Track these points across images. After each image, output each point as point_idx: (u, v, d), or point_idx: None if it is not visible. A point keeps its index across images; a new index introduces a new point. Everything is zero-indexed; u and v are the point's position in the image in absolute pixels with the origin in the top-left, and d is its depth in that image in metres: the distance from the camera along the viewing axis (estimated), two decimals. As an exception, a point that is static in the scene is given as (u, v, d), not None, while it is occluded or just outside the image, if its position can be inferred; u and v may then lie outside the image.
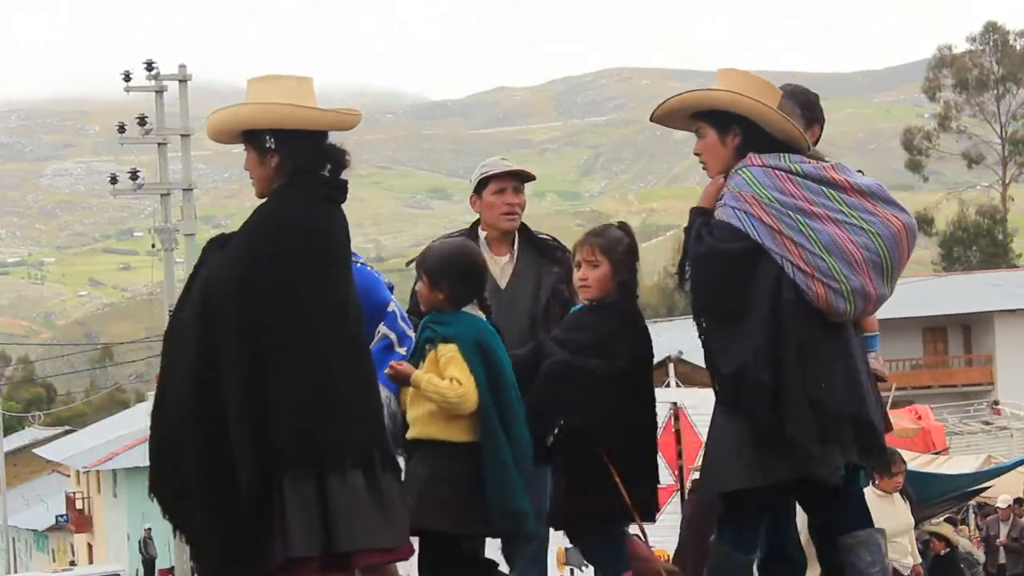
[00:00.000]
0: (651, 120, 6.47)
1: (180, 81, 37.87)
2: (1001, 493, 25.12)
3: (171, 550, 40.38)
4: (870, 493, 12.62)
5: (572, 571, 16.94)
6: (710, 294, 6.16)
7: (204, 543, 5.87)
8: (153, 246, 39.00)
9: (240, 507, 5.75)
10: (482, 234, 7.89)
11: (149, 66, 37.46)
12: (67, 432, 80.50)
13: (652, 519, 6.90)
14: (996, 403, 51.74)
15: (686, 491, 17.15)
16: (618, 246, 6.95)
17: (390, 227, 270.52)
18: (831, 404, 6.00)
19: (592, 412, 6.66)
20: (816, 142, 6.71)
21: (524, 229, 7.92)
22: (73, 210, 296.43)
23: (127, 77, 37.25)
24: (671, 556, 17.15)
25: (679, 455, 17.18)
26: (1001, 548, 25.16)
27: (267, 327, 5.85)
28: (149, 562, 51.41)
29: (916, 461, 22.20)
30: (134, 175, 37.50)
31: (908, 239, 6.08)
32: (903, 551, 12.95)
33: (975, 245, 78.74)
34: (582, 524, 6.89)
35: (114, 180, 38.29)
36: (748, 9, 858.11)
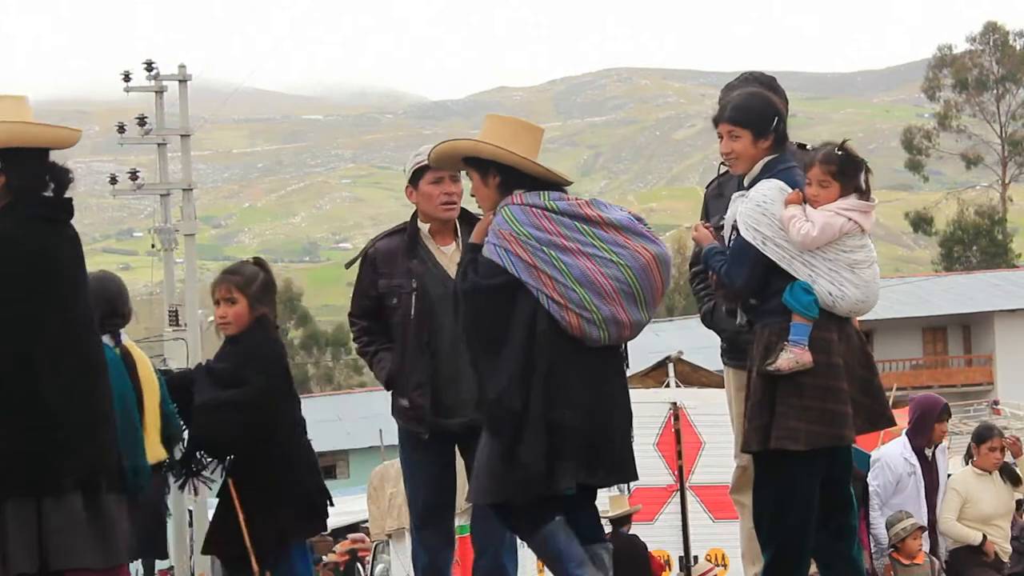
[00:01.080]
0: (430, 164, 7.12)
1: (180, 81, 37.86)
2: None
3: (171, 550, 40.32)
4: (968, 472, 12.44)
5: (572, 571, 16.94)
6: (475, 326, 6.63)
7: None
8: (153, 246, 39.00)
9: None
10: (423, 226, 7.80)
11: (149, 66, 37.45)
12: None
13: (300, 539, 7.65)
14: (996, 403, 51.61)
15: (686, 491, 17.15)
16: (253, 282, 7.55)
17: (390, 227, 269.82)
18: (571, 426, 6.49)
19: (226, 441, 7.36)
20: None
21: (464, 214, 7.84)
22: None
23: (127, 77, 37.25)
24: (670, 555, 17.18)
25: (679, 455, 17.15)
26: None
27: None
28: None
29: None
30: (134, 175, 37.50)
31: (659, 269, 6.58)
32: (1003, 535, 12.37)
33: (975, 245, 78.70)
34: (214, 550, 7.59)
35: (114, 180, 38.29)
36: (748, 9, 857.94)
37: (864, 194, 6.95)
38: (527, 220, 6.52)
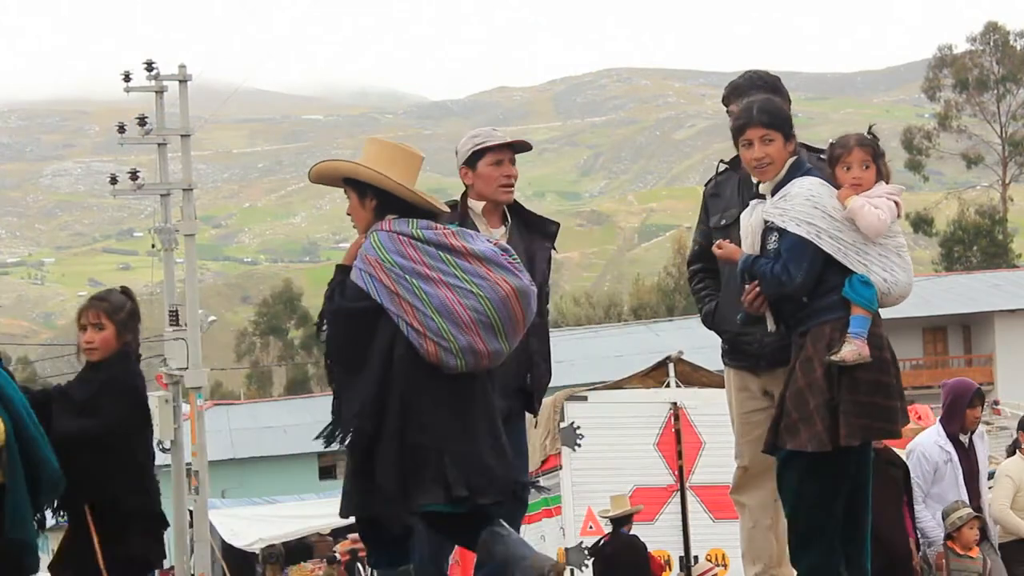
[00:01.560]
0: (310, 180, 7.16)
1: (180, 81, 37.82)
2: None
3: (171, 550, 40.29)
4: (1019, 460, 12.26)
5: (572, 571, 16.93)
6: (338, 348, 6.76)
7: None
8: (153, 246, 38.94)
9: None
10: (476, 205, 7.80)
11: (149, 66, 37.40)
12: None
13: (159, 566, 7.88)
14: (996, 403, 51.68)
15: (686, 491, 17.15)
16: (121, 310, 7.70)
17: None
18: (427, 448, 6.63)
19: (79, 474, 7.43)
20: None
21: (514, 203, 7.88)
22: (73, 210, 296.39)
23: (127, 77, 37.20)
24: (670, 555, 17.18)
25: (679, 455, 17.16)
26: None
27: None
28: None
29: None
30: (134, 175, 37.46)
31: (518, 302, 6.67)
32: None
33: (975, 245, 78.72)
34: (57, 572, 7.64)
35: (114, 180, 38.25)
36: (748, 9, 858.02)
37: (887, 178, 7.09)
38: (393, 247, 6.65)
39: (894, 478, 10.94)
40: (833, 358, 6.83)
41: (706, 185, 8.15)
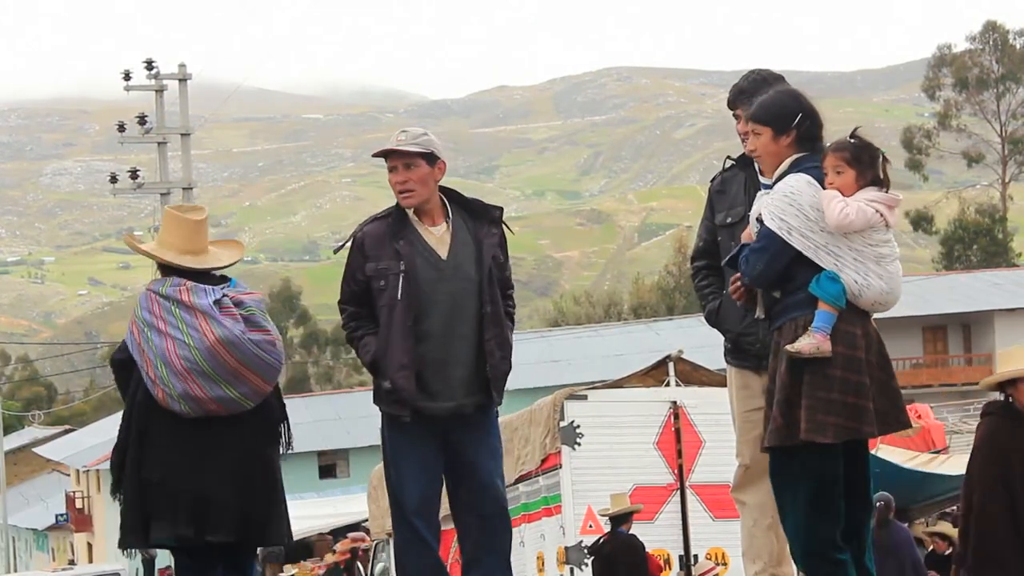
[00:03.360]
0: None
1: (180, 80, 37.86)
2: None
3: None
4: None
5: (572, 570, 16.94)
6: (119, 391, 7.76)
7: None
8: (153, 245, 38.96)
9: None
10: (409, 209, 7.71)
11: (149, 65, 37.44)
12: (67, 431, 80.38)
13: None
14: (996, 402, 51.61)
15: (686, 489, 17.15)
16: None
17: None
18: (168, 485, 7.49)
19: None
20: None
21: (453, 194, 7.79)
22: (73, 209, 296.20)
23: (127, 76, 37.25)
24: (670, 554, 17.18)
25: (679, 454, 17.16)
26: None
27: None
28: (149, 562, 51.27)
29: (916, 460, 22.17)
30: (134, 174, 37.49)
31: (226, 350, 7.42)
32: None
33: (975, 244, 78.70)
34: None
35: (114, 179, 38.30)
36: (748, 9, 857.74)
37: (883, 184, 7.01)
38: (144, 305, 7.56)
39: None
40: (789, 348, 6.82)
41: (712, 181, 8.14)
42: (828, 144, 7.13)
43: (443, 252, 7.59)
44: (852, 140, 7.01)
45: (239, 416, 7.56)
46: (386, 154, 7.68)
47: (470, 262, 7.62)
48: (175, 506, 7.44)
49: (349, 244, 7.72)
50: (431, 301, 7.56)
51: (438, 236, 7.63)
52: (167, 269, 7.66)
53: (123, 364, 7.62)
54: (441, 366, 7.58)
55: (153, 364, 7.40)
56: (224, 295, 7.48)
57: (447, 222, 7.68)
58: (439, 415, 7.60)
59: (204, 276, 7.62)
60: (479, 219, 7.73)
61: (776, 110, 7.14)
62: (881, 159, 7.03)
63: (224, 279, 7.70)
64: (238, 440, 7.52)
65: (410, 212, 7.66)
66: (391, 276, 7.55)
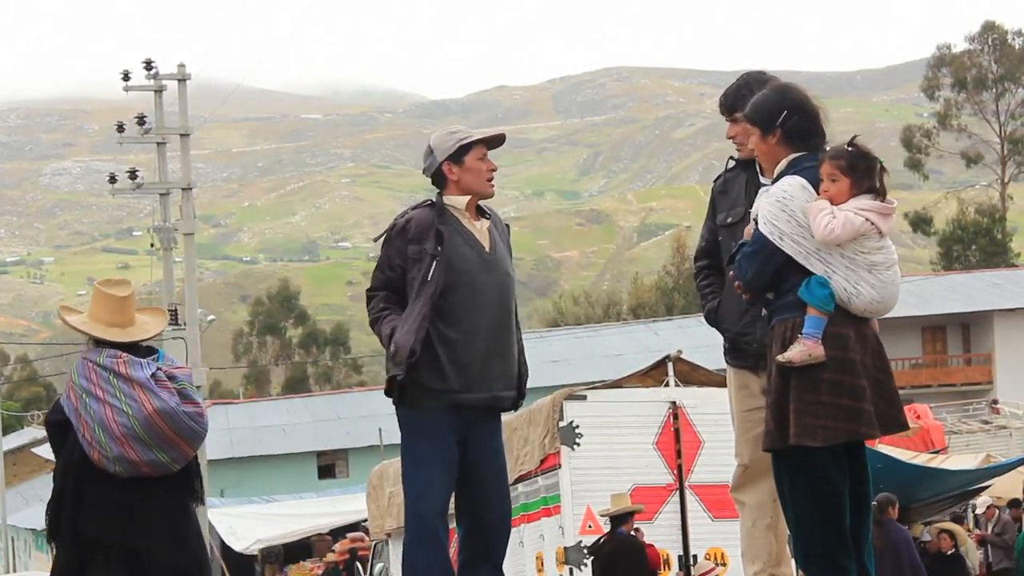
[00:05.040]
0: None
1: (179, 80, 37.85)
2: (999, 492, 25.03)
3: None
4: None
5: (571, 570, 16.95)
6: (53, 451, 8.26)
7: None
8: (152, 245, 38.99)
9: None
10: (457, 201, 7.80)
11: (148, 65, 37.42)
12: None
13: None
14: (995, 402, 51.66)
15: (685, 490, 17.16)
16: None
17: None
18: (104, 540, 7.94)
19: None
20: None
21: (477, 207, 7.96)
22: (72, 209, 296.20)
23: (126, 76, 37.22)
24: (669, 554, 17.19)
25: (678, 454, 17.17)
26: (989, 545, 25.07)
27: None
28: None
29: (915, 460, 22.21)
30: (133, 174, 37.50)
31: (163, 420, 7.91)
32: None
33: (974, 244, 78.72)
34: None
35: (113, 179, 38.29)
36: (748, 9, 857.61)
37: (879, 193, 6.98)
38: (82, 372, 8.07)
39: None
40: (780, 359, 6.83)
41: (715, 181, 8.18)
42: (829, 144, 7.12)
43: (487, 245, 7.76)
44: (849, 148, 6.98)
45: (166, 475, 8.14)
46: (500, 141, 8.01)
47: (506, 260, 7.84)
48: (108, 559, 7.94)
49: (390, 229, 7.83)
50: (478, 290, 7.70)
51: (480, 230, 7.80)
52: (99, 340, 8.20)
53: (59, 426, 8.10)
54: (485, 356, 7.68)
55: (90, 427, 7.90)
56: (158, 368, 8.06)
57: (486, 219, 7.87)
58: (476, 406, 7.68)
59: (132, 348, 8.15)
60: (498, 225, 7.94)
61: (762, 109, 7.15)
62: (878, 168, 7.01)
63: (151, 350, 8.24)
64: (167, 495, 8.04)
65: (461, 206, 7.79)
66: (427, 256, 7.66)
